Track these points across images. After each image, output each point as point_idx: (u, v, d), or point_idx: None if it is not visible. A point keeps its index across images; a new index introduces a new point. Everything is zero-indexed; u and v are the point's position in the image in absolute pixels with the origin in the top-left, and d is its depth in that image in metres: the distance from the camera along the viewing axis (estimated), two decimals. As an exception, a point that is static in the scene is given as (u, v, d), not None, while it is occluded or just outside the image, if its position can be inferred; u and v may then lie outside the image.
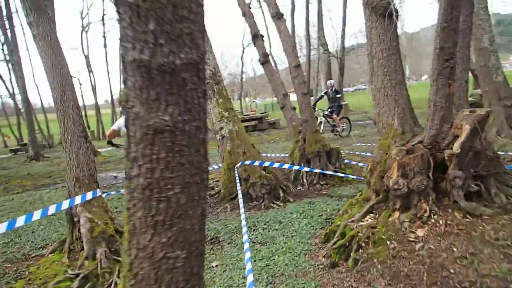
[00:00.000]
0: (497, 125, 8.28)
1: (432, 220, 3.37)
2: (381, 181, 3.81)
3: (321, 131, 10.45)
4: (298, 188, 6.55)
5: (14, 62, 18.02)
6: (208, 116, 6.70)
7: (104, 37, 31.11)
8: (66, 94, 4.37)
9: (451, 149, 3.48)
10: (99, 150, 16.37)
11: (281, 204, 5.81)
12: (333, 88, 12.83)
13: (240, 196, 4.78)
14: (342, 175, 6.30)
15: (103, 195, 6.76)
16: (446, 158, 3.49)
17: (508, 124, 8.21)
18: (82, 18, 30.40)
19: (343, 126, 12.67)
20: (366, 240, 3.38)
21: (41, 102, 32.48)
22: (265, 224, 4.93)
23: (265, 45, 7.90)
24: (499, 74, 8.39)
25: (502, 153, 6.41)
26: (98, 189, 4.26)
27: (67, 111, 4.32)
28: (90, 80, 33.35)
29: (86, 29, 30.12)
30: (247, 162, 6.08)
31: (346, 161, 7.17)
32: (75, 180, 4.23)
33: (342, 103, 17.86)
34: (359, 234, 3.48)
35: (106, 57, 33.55)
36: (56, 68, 4.45)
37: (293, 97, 7.99)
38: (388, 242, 3.25)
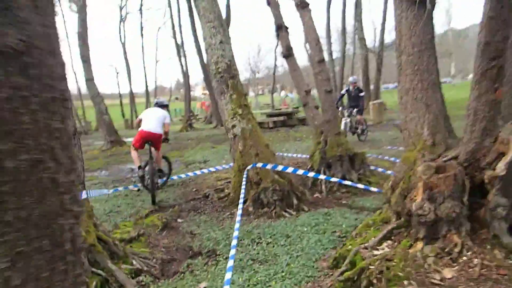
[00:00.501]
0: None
1: (464, 258, 2.70)
2: (403, 202, 3.16)
3: (346, 134, 9.60)
4: (315, 196, 5.94)
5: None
6: (222, 112, 6.21)
7: (141, 26, 31.42)
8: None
9: (494, 169, 2.78)
10: (126, 139, 16.38)
11: (294, 212, 5.25)
12: (356, 86, 11.29)
13: (240, 205, 4.26)
14: (362, 186, 5.60)
15: (110, 191, 6.49)
16: (486, 180, 2.80)
17: None
18: (121, 9, 30.77)
19: (363, 129, 11.29)
20: (378, 276, 2.77)
21: (78, 89, 33.32)
22: (271, 237, 4.39)
23: (290, 37, 7.29)
24: (558, 76, 7.31)
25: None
26: (83, 191, 3.87)
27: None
28: (127, 69, 33.72)
29: (123, 19, 30.46)
30: (259, 164, 5.54)
31: (372, 167, 6.46)
32: (59, 180, 3.85)
33: (376, 102, 16.77)
34: (370, 267, 2.87)
35: (142, 46, 33.84)
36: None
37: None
38: (405, 282, 2.63)
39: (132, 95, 32.99)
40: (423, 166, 2.91)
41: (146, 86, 34.34)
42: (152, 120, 6.68)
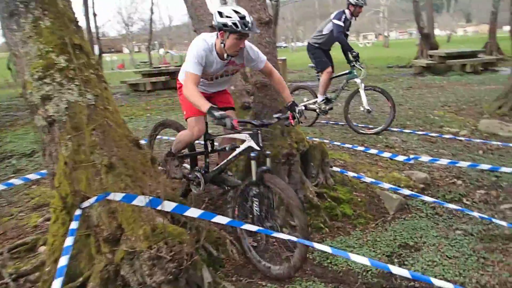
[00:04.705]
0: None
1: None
2: None
3: (365, 108, 5.53)
4: (250, 243, 2.87)
5: None
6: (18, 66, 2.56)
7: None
8: None
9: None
10: None
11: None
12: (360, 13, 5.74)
13: None
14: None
15: None
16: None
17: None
18: None
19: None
20: None
21: None
22: None
23: None
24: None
25: None
26: None
27: None
28: None
29: None
30: (115, 196, 2.23)
31: (336, 169, 3.63)
32: None
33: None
34: None
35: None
36: None
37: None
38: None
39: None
40: None
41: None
42: None
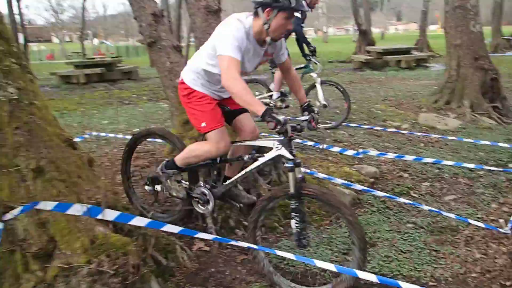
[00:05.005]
0: (470, 96, 5.75)
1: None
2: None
3: (322, 103, 5.37)
4: (197, 247, 2.69)
5: None
6: None
7: None
8: None
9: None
10: None
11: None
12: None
13: None
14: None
15: None
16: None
17: (485, 96, 5.75)
18: None
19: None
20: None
21: None
22: None
23: None
24: (478, 22, 5.77)
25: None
26: None
27: None
28: None
29: None
30: (46, 205, 1.93)
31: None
32: None
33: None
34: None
35: None
36: None
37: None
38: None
39: None
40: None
41: None
42: None
